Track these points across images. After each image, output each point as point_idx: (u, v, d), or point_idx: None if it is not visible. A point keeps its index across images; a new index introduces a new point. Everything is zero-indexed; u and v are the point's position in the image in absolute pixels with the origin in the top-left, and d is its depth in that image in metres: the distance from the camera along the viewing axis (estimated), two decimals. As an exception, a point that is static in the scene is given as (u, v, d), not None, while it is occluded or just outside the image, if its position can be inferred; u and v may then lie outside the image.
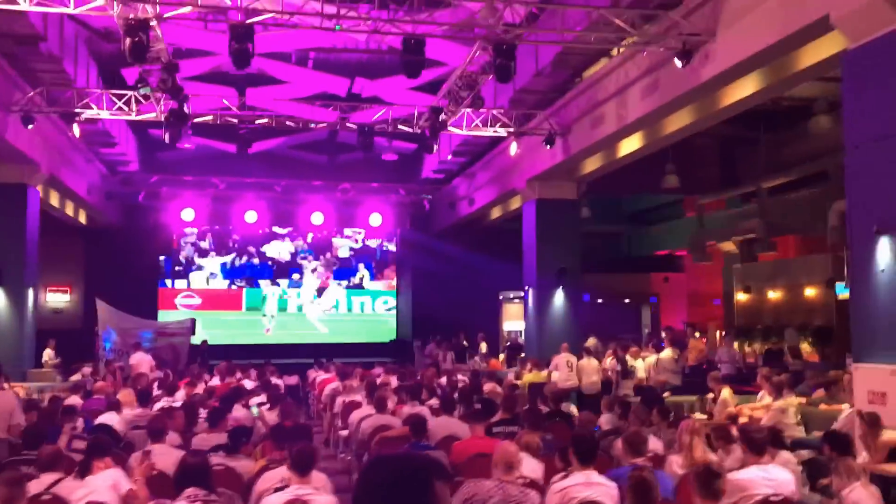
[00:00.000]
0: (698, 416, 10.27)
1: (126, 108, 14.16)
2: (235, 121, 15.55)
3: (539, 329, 17.80)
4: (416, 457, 2.16)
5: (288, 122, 16.10)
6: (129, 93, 13.96)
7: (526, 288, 18.51)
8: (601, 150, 15.51)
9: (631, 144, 14.96)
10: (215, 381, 13.80)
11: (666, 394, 11.73)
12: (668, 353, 13.30)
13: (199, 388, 11.64)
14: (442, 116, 13.83)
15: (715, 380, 10.79)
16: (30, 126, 13.66)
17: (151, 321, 22.46)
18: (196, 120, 15.13)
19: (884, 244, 8.03)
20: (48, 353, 19.70)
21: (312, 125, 16.47)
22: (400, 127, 15.79)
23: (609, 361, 13.63)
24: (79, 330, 23.59)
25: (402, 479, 2.00)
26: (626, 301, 31.48)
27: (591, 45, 12.24)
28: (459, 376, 14.46)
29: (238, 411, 8.88)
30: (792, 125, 18.19)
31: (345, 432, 9.77)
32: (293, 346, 24.52)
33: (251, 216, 24.07)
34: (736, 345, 18.09)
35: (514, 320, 23.65)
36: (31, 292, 16.10)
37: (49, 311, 25.87)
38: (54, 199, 20.45)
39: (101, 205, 21.66)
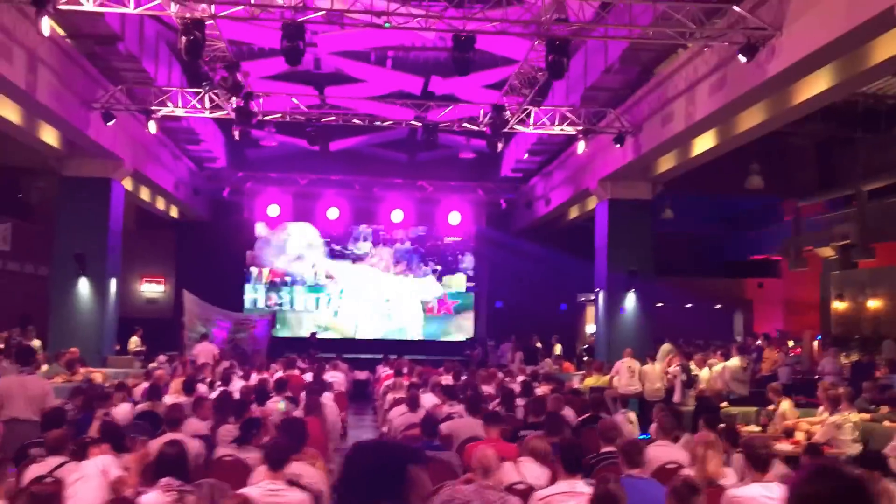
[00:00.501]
0: (752, 428, 9.82)
1: (199, 106, 14.58)
2: (302, 118, 15.70)
3: (608, 332, 17.42)
4: (393, 444, 2.48)
5: (355, 120, 16.30)
6: (208, 91, 14.34)
7: (596, 290, 18.14)
8: (672, 150, 15.05)
9: (704, 143, 14.46)
10: (280, 374, 14.04)
11: (724, 404, 11.26)
12: (735, 361, 12.75)
13: (252, 380, 11.85)
14: (505, 115, 13.65)
15: (775, 391, 10.29)
16: (110, 123, 14.23)
17: (234, 313, 23.10)
18: (267, 118, 15.45)
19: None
20: (134, 341, 20.62)
21: (378, 122, 16.51)
22: (465, 125, 15.69)
23: (672, 368, 13.17)
24: (169, 319, 24.49)
25: (379, 464, 2.17)
26: (718, 306, 30.57)
27: (656, 41, 11.88)
28: (518, 378, 14.26)
29: (274, 404, 9.01)
30: (892, 125, 17.22)
31: (385, 428, 9.79)
32: (378, 341, 24.83)
33: (333, 213, 24.49)
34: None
35: (594, 323, 23.26)
36: (113, 282, 16.80)
37: (144, 300, 27.05)
38: (145, 194, 21.36)
39: (189, 200, 22.44)
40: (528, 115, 15.22)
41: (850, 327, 23.35)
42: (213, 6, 9.94)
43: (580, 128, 15.38)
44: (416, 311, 26.29)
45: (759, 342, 15.60)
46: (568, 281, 24.21)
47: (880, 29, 8.67)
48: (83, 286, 16.25)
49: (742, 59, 10.47)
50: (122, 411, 9.05)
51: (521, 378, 14.29)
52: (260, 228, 25.98)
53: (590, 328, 24.14)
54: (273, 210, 24.51)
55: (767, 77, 10.54)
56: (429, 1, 10.50)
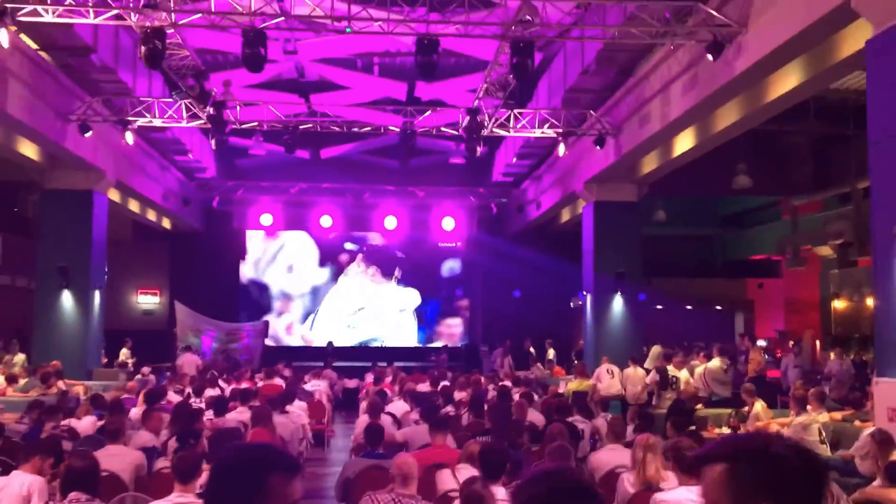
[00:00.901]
0: (722, 430, 9.66)
1: (176, 116, 14.56)
2: (280, 126, 15.65)
3: (596, 335, 17.27)
4: (257, 451, 2.23)
5: (334, 127, 16.23)
6: (180, 101, 14.30)
7: (584, 293, 17.99)
8: (653, 150, 14.95)
9: (684, 143, 14.34)
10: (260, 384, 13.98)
11: (699, 406, 11.10)
12: (716, 362, 12.59)
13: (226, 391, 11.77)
14: (481, 119, 13.56)
15: (748, 392, 10.13)
16: (87, 134, 14.22)
17: (226, 323, 23.08)
18: (245, 126, 15.42)
19: (905, 247, 7.31)
20: (124, 353, 20.59)
21: (357, 129, 16.45)
22: (443, 130, 15.61)
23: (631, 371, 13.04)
24: (164, 331, 24.47)
25: (235, 472, 2.05)
26: (718, 308, 30.32)
27: (624, 42, 11.76)
28: (504, 382, 14.13)
29: (238, 414, 8.93)
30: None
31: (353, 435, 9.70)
32: (373, 348, 24.81)
33: (326, 221, 24.42)
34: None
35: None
36: (97, 295, 16.78)
37: (140, 312, 27.07)
38: (134, 206, 21.37)
39: (179, 210, 22.41)
40: (508, 119, 15.13)
41: (849, 326, 23.11)
42: (173, 15, 9.88)
43: (560, 130, 15.24)
44: (409, 319, 26.23)
45: (745, 343, 15.36)
46: (563, 285, 24.06)
47: (840, 23, 8.54)
48: (67, 299, 16.24)
49: (709, 56, 10.36)
50: (86, 424, 9.00)
51: (503, 383, 14.18)
52: (252, 238, 25.94)
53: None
54: (266, 219, 24.48)
55: (735, 74, 10.41)
56: (398, 6, 10.39)
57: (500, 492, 4.81)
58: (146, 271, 26.83)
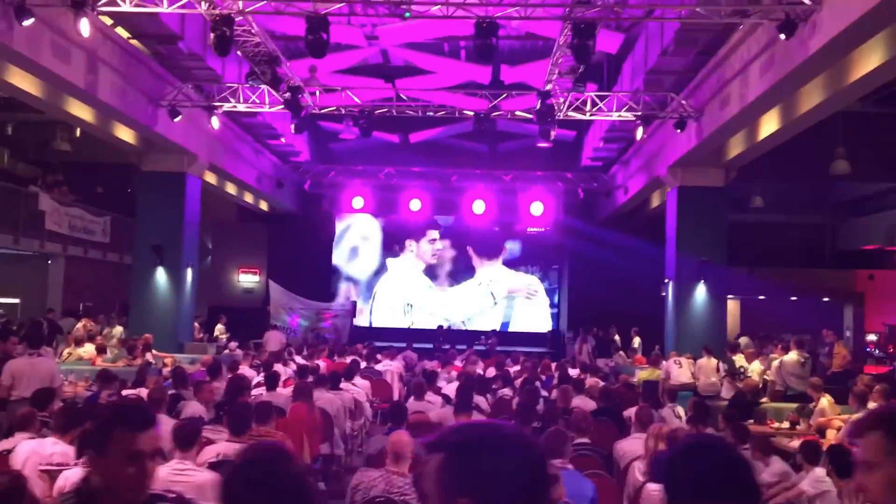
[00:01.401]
0: (782, 424, 9.32)
1: (258, 101, 15.03)
2: (356, 111, 15.91)
3: (677, 324, 16.85)
4: (112, 406, 2.87)
5: (408, 112, 16.31)
6: (263, 87, 14.74)
7: (666, 281, 17.57)
8: (735, 133, 14.42)
9: (769, 126, 13.77)
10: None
11: (764, 399, 10.71)
12: (792, 356, 12.08)
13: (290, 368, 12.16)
14: (551, 102, 13.41)
15: (814, 387, 9.72)
16: (177, 119, 14.86)
17: (317, 303, 23.71)
18: (324, 111, 15.77)
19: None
20: (219, 328, 21.52)
21: (431, 113, 16.52)
22: (518, 113, 15.51)
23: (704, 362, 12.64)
24: (262, 309, 25.37)
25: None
26: (826, 299, 29.02)
27: (703, 22, 11.36)
28: (572, 370, 14.02)
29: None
30: None
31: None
32: (465, 331, 25.06)
33: (415, 204, 24.68)
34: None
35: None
36: (189, 272, 17.54)
37: (241, 290, 28.12)
38: (231, 188, 22.20)
39: (273, 193, 23.14)
40: (585, 103, 14.90)
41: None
42: (240, 2, 10.22)
43: (638, 113, 14.90)
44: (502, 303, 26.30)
45: (830, 337, 14.64)
46: (654, 272, 23.54)
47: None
48: (161, 276, 17.06)
49: (782, 36, 9.93)
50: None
51: (574, 370, 14.09)
52: (345, 220, 26.48)
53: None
54: (357, 202, 24.92)
55: (810, 53, 9.92)
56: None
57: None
58: (247, 251, 27.81)
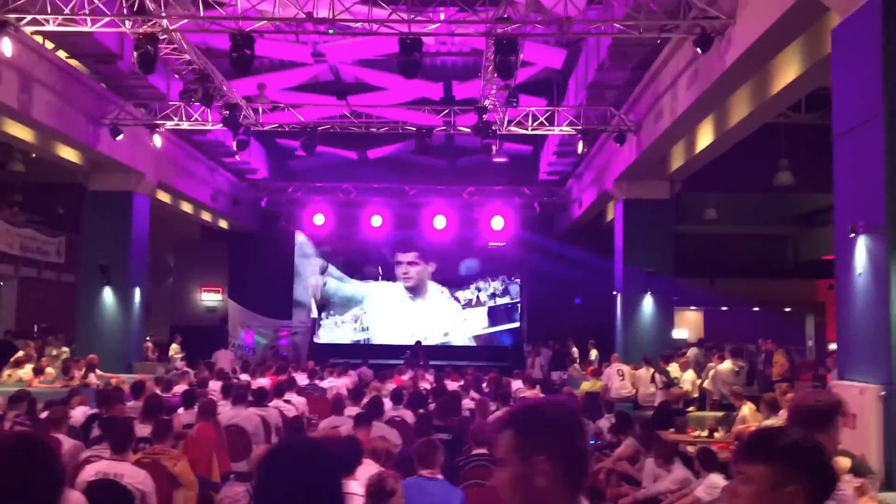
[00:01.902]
0: (699, 433, 9.39)
1: (200, 119, 15.05)
2: (297, 128, 15.96)
3: (625, 336, 16.94)
4: None
5: (353, 128, 16.39)
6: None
7: (614, 293, 17.68)
8: (671, 146, 14.61)
9: (705, 139, 13.94)
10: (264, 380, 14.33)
11: (691, 408, 10.80)
12: (727, 364, 12.22)
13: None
14: (490, 116, 13.52)
15: (736, 395, 9.81)
16: (118, 137, 14.84)
17: (274, 320, 23.70)
18: (267, 129, 15.80)
19: (861, 244, 6.97)
20: (174, 348, 21.34)
21: (374, 129, 16.60)
22: (459, 128, 15.61)
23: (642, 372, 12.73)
24: (220, 328, 25.27)
25: None
26: (787, 310, 29.27)
27: (631, 37, 11.50)
28: (515, 384, 14.05)
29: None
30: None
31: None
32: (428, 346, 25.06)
33: (376, 220, 24.69)
34: None
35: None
36: (137, 292, 17.47)
37: (203, 309, 27.99)
38: (187, 207, 22.14)
39: (230, 211, 23.09)
40: (527, 118, 15.03)
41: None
42: (164, 21, 10.25)
43: (579, 127, 15.05)
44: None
45: (768, 345, 14.80)
46: (611, 285, 23.69)
47: (809, 15, 8.18)
48: (108, 295, 16.99)
49: (699, 50, 10.09)
50: (77, 413, 9.48)
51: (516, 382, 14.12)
52: (301, 238, 26.39)
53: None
54: (318, 219, 24.90)
55: (727, 66, 10.10)
56: (381, 6, 10.47)
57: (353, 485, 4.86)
58: (209, 270, 27.72)
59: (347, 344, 25.44)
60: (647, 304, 16.82)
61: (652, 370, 13.10)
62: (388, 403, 10.12)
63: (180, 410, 9.08)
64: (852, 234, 6.95)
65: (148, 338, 20.17)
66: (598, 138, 17.56)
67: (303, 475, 1.98)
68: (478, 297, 26.34)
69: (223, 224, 25.42)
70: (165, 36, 10.53)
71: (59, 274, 22.42)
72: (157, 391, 11.32)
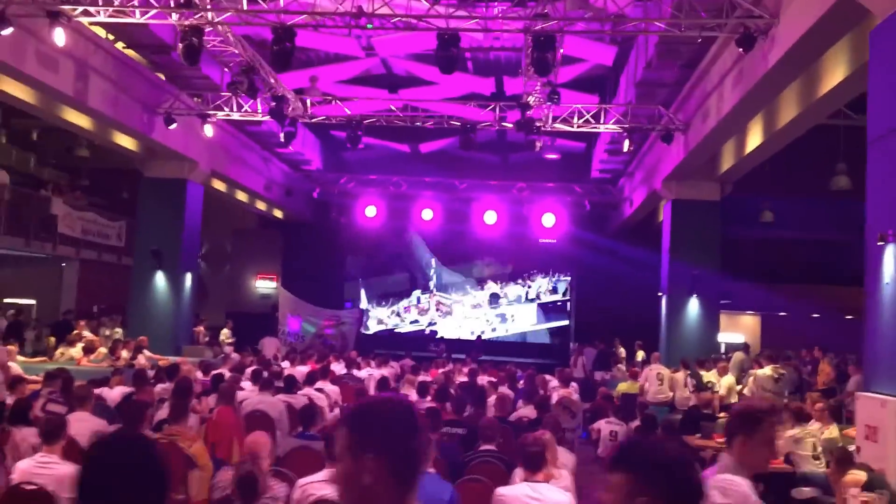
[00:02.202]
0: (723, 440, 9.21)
1: (250, 110, 15.34)
2: (344, 121, 16.13)
3: (669, 338, 16.71)
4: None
5: (397, 121, 16.47)
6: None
7: (659, 294, 17.44)
8: (716, 146, 14.34)
9: (755, 140, 13.66)
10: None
11: (721, 414, 10.59)
12: (766, 370, 11.96)
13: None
14: (529, 114, 13.47)
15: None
16: (171, 126, 15.21)
17: (326, 310, 23.99)
18: (313, 120, 16.02)
19: (890, 253, 6.77)
20: (224, 333, 21.82)
21: (419, 123, 16.66)
22: (503, 124, 15.57)
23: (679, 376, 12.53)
24: (270, 315, 25.70)
25: None
26: (848, 317, 28.46)
27: (670, 34, 11.33)
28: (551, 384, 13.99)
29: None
30: None
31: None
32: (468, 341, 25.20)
33: (427, 214, 24.79)
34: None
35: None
36: (188, 277, 17.90)
37: (258, 296, 28.55)
38: (242, 196, 22.60)
39: (282, 201, 23.45)
40: (573, 115, 14.92)
41: None
42: (210, 13, 10.50)
43: (626, 126, 14.88)
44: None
45: (815, 353, 14.41)
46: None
47: (848, 17, 7.95)
48: (160, 279, 17.46)
49: (741, 50, 9.90)
50: (115, 393, 9.82)
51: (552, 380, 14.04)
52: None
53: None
54: (370, 211, 25.12)
55: (769, 67, 9.87)
56: (421, 1, 10.53)
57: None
58: (264, 258, 28.26)
59: (402, 333, 25.71)
60: (693, 306, 16.56)
61: (683, 374, 12.90)
62: (414, 396, 10.23)
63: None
64: (881, 243, 6.75)
65: (203, 322, 20.74)
66: (647, 137, 17.34)
67: (123, 471, 1.99)
68: (527, 293, 26.25)
69: (278, 213, 25.86)
70: (211, 28, 10.76)
71: (119, 257, 23.09)
72: (197, 374, 11.69)
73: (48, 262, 21.53)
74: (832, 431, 8.38)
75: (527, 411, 9.35)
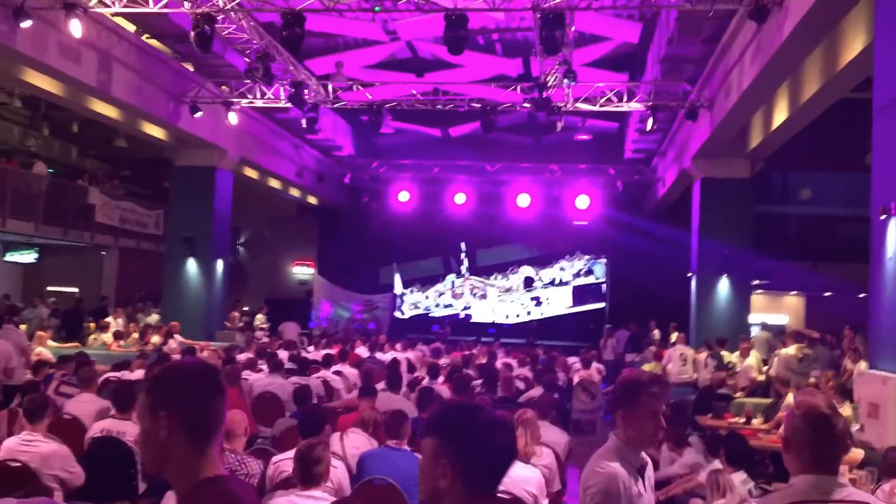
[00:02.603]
0: (737, 420, 9.08)
1: (273, 97, 15.46)
2: (356, 105, 16.18)
3: (699, 319, 16.46)
4: None
5: (418, 105, 16.45)
6: (277, 83, 15.16)
7: (689, 275, 17.18)
8: (739, 122, 14.03)
9: (781, 115, 13.34)
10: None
11: (738, 393, 10.43)
12: (790, 350, 11.72)
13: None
14: (547, 93, 13.33)
15: (781, 382, 9.44)
16: (197, 115, 15.42)
17: (359, 295, 24.20)
18: (336, 105, 16.09)
19: (893, 227, 6.58)
20: (259, 318, 22.18)
21: (439, 107, 16.60)
22: (523, 105, 15.44)
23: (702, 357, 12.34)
24: (307, 300, 25.98)
25: None
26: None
27: (687, 8, 11.11)
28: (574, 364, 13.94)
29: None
30: None
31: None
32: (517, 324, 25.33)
33: (460, 198, 24.76)
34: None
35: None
36: (219, 263, 18.17)
37: (296, 282, 28.89)
38: (274, 183, 22.81)
39: (315, 187, 23.59)
40: (595, 94, 14.73)
41: None
42: (221, 1, 10.59)
43: (650, 104, 14.65)
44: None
45: (845, 333, 13.99)
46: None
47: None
48: (191, 266, 17.75)
49: (754, 23, 9.67)
50: (133, 377, 10.05)
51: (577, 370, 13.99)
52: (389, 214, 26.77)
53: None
54: (403, 196, 25.16)
55: (783, 38, 9.62)
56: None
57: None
58: (301, 244, 28.56)
59: (436, 318, 25.84)
60: (723, 286, 16.28)
61: (703, 355, 12.72)
62: (427, 378, 10.28)
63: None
64: (884, 217, 6.56)
65: (239, 307, 21.10)
66: (677, 115, 17.05)
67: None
68: (561, 276, 26.11)
69: (312, 200, 26.06)
70: (224, 16, 10.87)
71: (157, 245, 23.54)
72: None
73: (89, 250, 22.08)
74: (845, 410, 8.17)
75: (534, 392, 9.33)
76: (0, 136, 23.35)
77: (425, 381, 9.75)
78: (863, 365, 8.93)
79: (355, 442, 5.95)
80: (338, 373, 11.45)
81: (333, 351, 14.52)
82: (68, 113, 21.95)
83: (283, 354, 12.91)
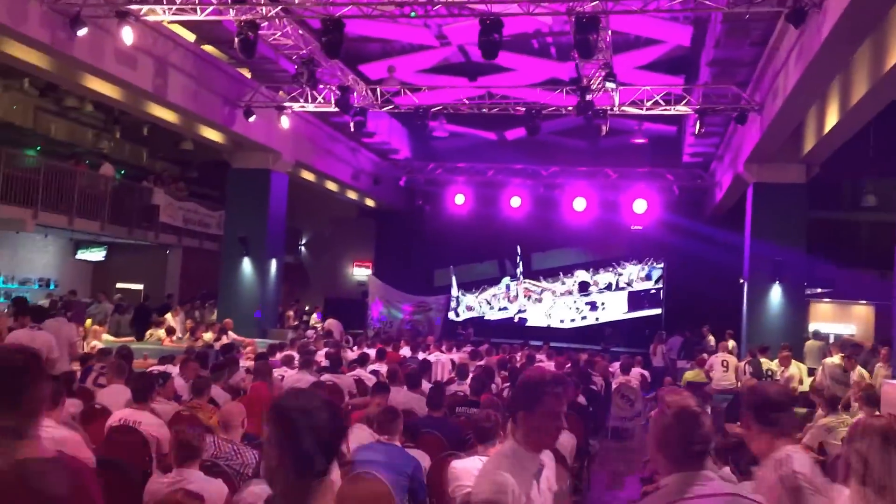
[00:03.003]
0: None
1: (323, 101, 15.79)
2: (413, 109, 16.36)
3: (751, 327, 16.15)
4: None
5: (464, 109, 16.55)
6: (326, 88, 15.52)
7: (741, 281, 16.86)
8: (790, 126, 13.72)
9: (832, 119, 13.02)
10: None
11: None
12: (835, 359, 11.44)
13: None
14: (591, 97, 13.29)
15: (817, 393, 9.23)
16: (251, 119, 15.86)
17: (413, 296, 24.43)
18: (385, 109, 16.33)
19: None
20: (313, 318, 22.65)
21: (485, 110, 16.67)
22: (567, 109, 15.40)
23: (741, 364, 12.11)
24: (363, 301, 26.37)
25: None
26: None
27: (710, 6, 10.95)
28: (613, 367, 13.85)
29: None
30: None
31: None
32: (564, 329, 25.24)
33: (515, 201, 24.79)
34: None
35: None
36: (273, 263, 18.62)
37: (355, 283, 29.34)
38: (332, 186, 23.23)
39: (371, 190, 23.96)
40: (642, 97, 14.62)
41: None
42: (263, 8, 10.93)
43: (697, 107, 14.47)
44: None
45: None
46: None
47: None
48: (246, 266, 18.24)
49: (792, 25, 9.51)
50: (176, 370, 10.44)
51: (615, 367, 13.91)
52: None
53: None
54: (459, 199, 25.31)
55: (823, 40, 9.42)
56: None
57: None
58: (361, 245, 29.03)
59: (490, 321, 25.93)
60: (776, 293, 15.95)
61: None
62: (457, 380, 10.40)
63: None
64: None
65: (295, 306, 21.56)
66: (731, 119, 16.77)
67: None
68: (617, 281, 25.87)
69: (370, 202, 26.44)
70: (267, 22, 11.20)
71: (219, 245, 24.18)
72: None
73: (154, 249, 22.86)
74: (846, 419, 7.99)
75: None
76: (73, 139, 24.39)
77: (455, 384, 9.86)
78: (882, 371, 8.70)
79: (358, 436, 6.09)
80: (374, 372, 11.65)
81: (372, 350, 14.78)
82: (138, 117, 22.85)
83: (323, 352, 13.24)
